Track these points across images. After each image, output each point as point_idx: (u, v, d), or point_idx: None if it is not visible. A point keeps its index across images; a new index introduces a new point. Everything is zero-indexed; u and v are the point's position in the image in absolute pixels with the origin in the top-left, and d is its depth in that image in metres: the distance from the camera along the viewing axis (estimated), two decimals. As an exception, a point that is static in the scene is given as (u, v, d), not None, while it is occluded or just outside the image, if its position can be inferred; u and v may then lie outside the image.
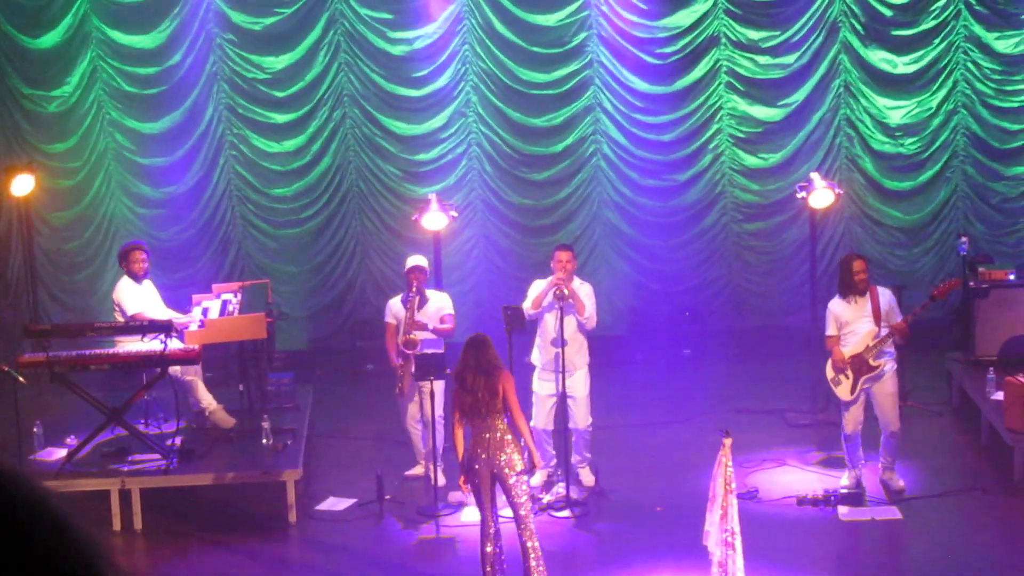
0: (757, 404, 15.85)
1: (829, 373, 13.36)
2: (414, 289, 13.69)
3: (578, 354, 13.45)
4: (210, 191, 17.58)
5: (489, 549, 11.22)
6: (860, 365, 13.14)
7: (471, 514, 12.73)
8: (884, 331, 13.10)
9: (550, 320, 13.28)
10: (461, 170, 17.71)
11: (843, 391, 13.26)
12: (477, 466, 11.02)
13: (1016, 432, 13.21)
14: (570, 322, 13.29)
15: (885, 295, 13.21)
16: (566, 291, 13.06)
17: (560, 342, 13.19)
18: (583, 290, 13.48)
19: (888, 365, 13.22)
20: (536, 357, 13.56)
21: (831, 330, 13.33)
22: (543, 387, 13.21)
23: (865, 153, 17.82)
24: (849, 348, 13.17)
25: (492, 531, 11.21)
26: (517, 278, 15.54)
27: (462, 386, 11.30)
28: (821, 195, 15.15)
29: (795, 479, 13.74)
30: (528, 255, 17.20)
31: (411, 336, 13.54)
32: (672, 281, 17.96)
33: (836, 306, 13.32)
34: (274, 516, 13.15)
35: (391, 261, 17.42)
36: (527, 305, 13.36)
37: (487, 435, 11.06)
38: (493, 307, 15.80)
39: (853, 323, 13.24)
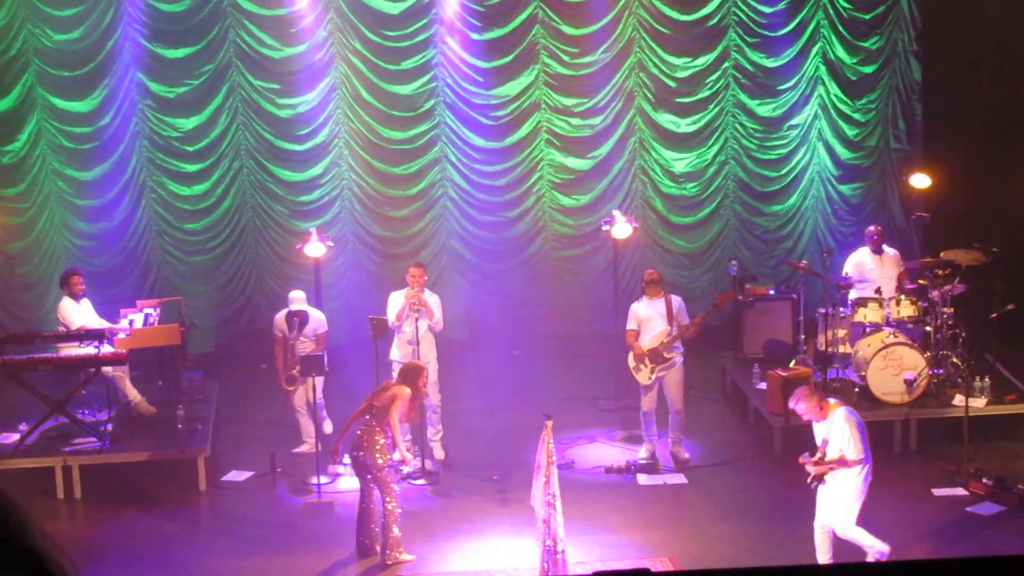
0: (573, 393, 16.20)
1: (631, 362, 13.78)
2: (294, 334, 13.94)
3: (429, 349, 13.77)
4: (134, 226, 17.64)
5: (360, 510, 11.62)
6: (656, 357, 13.61)
7: (346, 483, 13.22)
8: (675, 330, 13.58)
9: (407, 325, 13.65)
10: (336, 209, 17.91)
11: (642, 377, 13.70)
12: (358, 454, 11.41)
13: (775, 414, 13.85)
14: (422, 325, 13.66)
15: (676, 301, 13.71)
16: (418, 305, 13.54)
17: (415, 341, 13.52)
18: (432, 300, 13.79)
19: (677, 358, 13.70)
20: (395, 353, 13.71)
21: (631, 325, 13.77)
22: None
23: (656, 195, 18.40)
24: (647, 343, 13.60)
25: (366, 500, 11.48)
26: (380, 294, 15.28)
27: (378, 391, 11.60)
28: (622, 228, 15.59)
29: (603, 453, 14.23)
30: (389, 276, 17.05)
31: (293, 372, 13.93)
32: (505, 296, 18.21)
33: (637, 306, 13.81)
34: (188, 486, 13.39)
35: (281, 281, 17.49)
36: (391, 318, 13.62)
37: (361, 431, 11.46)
38: (361, 317, 15.26)
39: (650, 321, 13.64)
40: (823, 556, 10.75)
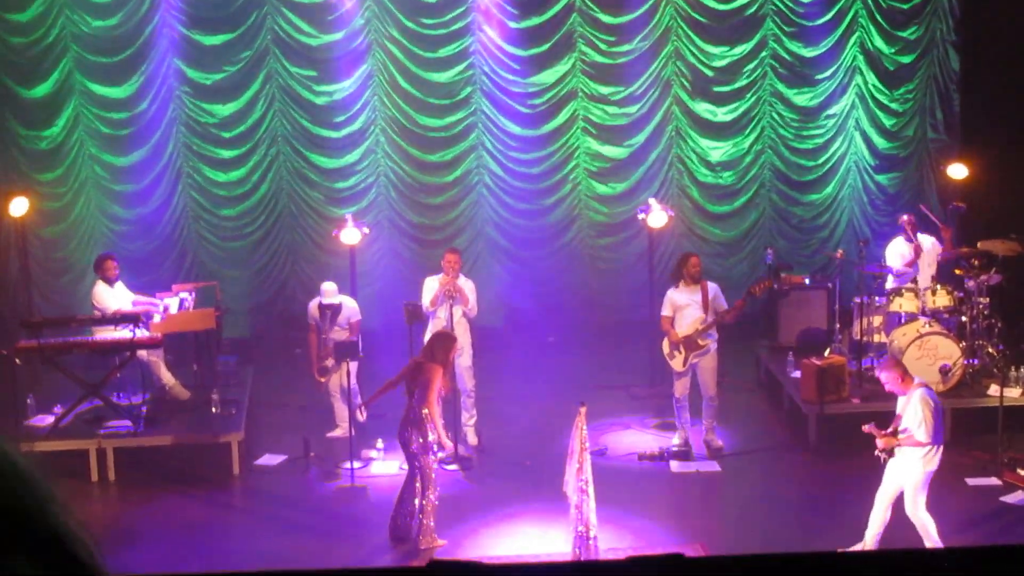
0: (606, 380, 16.16)
1: (665, 348, 13.78)
2: (327, 325, 13.91)
3: (463, 335, 13.68)
4: (170, 212, 17.72)
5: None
6: (690, 344, 13.57)
7: (379, 467, 13.31)
8: (710, 318, 13.58)
9: (441, 311, 13.65)
10: (372, 195, 17.96)
11: (676, 364, 13.68)
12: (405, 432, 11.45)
13: (809, 403, 13.81)
14: (456, 311, 13.67)
15: (712, 288, 13.67)
16: (453, 292, 13.55)
17: (450, 326, 13.42)
18: (467, 286, 13.76)
19: (712, 345, 13.66)
20: None
21: (666, 311, 13.74)
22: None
23: (692, 183, 18.41)
24: (682, 330, 13.57)
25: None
26: (416, 281, 15.23)
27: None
28: (657, 216, 15.62)
29: (636, 439, 14.26)
30: (425, 262, 16.91)
31: (325, 364, 13.96)
32: (540, 283, 18.23)
33: (672, 293, 13.75)
34: (221, 470, 13.41)
35: (316, 267, 17.53)
36: (426, 303, 13.61)
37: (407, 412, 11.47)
38: (396, 303, 15.20)
39: (685, 308, 13.62)
40: (873, 529, 10.80)
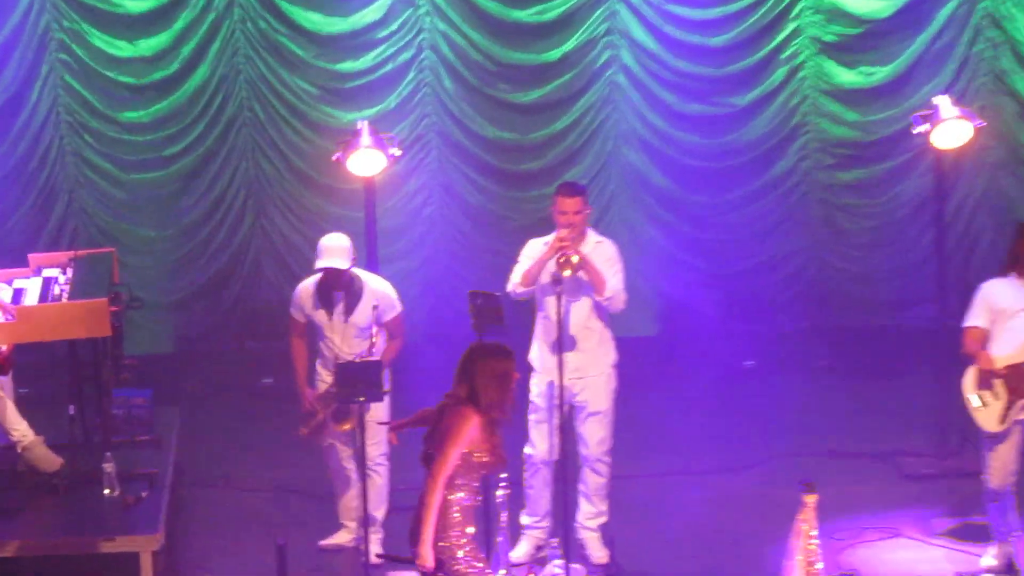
0: (856, 443, 15.88)
1: (969, 389, 13.12)
2: (336, 319, 13.70)
3: (598, 349, 13.32)
4: (26, 114, 17.43)
5: None
6: (1020, 381, 12.96)
7: None
8: None
9: (551, 304, 13.11)
10: (407, 86, 17.64)
11: (988, 418, 13.01)
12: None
13: None
14: (581, 307, 13.18)
15: None
16: (574, 258, 12.88)
17: (566, 339, 13.09)
18: (602, 252, 13.26)
19: None
20: (537, 356, 13.45)
21: (977, 320, 13.14)
22: (543, 397, 13.01)
23: (1019, 66, 17.67)
24: (1007, 353, 12.94)
25: None
26: (491, 250, 15.64)
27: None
28: (952, 129, 15.08)
29: (914, 557, 13.63)
30: (508, 216, 17.28)
31: (319, 410, 13.71)
32: (725, 258, 18.01)
33: (996, 288, 13.17)
34: None
35: (300, 221, 17.66)
36: (515, 279, 13.23)
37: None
38: (455, 293, 15.82)
39: (1017, 316, 13.04)
40: None
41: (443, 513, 10.82)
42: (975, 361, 12.98)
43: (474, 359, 10.99)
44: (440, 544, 10.81)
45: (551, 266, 12.91)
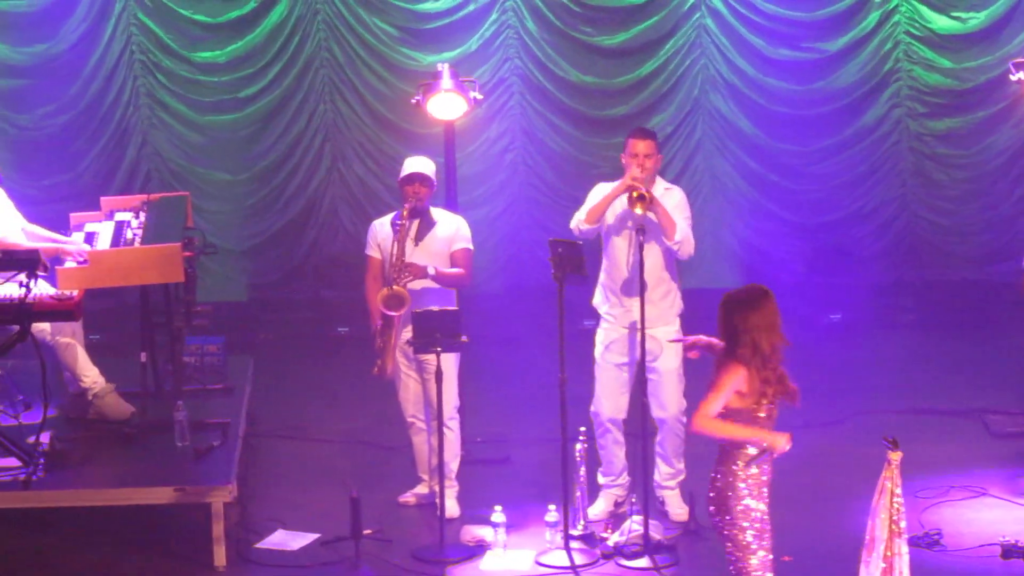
0: (943, 400, 15.88)
1: None
2: (406, 212, 13.62)
3: (664, 300, 13.16)
4: (99, 53, 17.56)
5: None
6: None
7: (494, 560, 12.72)
8: None
9: (621, 248, 13.11)
10: (490, 28, 17.78)
11: None
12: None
13: None
14: (651, 253, 13.01)
15: None
16: (646, 194, 12.81)
17: (638, 284, 12.92)
18: (671, 198, 13.15)
19: None
20: (601, 301, 13.37)
21: None
22: (611, 351, 12.92)
23: None
24: None
25: None
26: (573, 198, 15.15)
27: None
28: None
29: (999, 517, 13.49)
30: (592, 163, 17.26)
31: (395, 288, 13.52)
32: (813, 208, 18.12)
33: None
34: (193, 558, 12.86)
35: (378, 166, 17.75)
36: (580, 215, 13.19)
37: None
38: (535, 242, 16.17)
39: None
40: None
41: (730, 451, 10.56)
42: None
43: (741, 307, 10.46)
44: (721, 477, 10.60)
45: (623, 202, 12.86)
